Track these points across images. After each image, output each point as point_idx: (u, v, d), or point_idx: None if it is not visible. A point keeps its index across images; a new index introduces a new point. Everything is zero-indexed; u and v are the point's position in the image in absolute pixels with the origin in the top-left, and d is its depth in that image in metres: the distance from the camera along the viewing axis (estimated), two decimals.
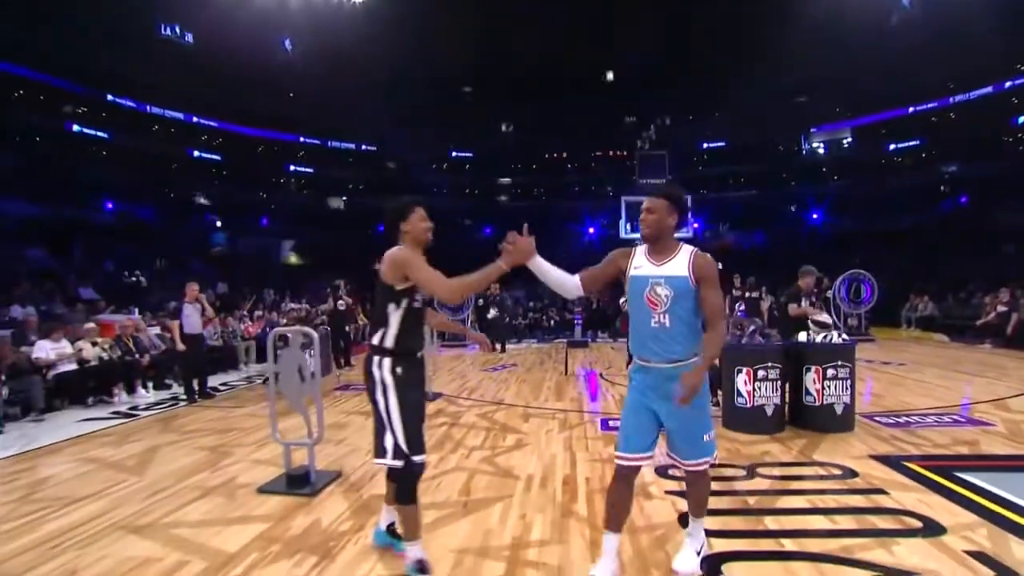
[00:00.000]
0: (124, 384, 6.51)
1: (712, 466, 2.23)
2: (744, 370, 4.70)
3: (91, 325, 6.89)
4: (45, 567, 2.53)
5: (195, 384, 6.52)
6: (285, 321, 9.57)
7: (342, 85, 25.13)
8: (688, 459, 2.18)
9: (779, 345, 5.06)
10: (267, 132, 27.54)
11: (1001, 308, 10.95)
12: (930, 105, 25.20)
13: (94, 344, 6.58)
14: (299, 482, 3.54)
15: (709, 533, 2.53)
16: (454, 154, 32.64)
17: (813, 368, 4.74)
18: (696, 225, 21.66)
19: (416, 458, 2.26)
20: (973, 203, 22.92)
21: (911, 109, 26.02)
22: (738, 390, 4.73)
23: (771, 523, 2.83)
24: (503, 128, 33.44)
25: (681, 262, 2.15)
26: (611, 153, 33.34)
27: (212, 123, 25.89)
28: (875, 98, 26.57)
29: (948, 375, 7.50)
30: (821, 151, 31.09)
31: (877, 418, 5.04)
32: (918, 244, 21.68)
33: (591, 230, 31.38)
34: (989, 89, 23.03)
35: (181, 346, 6.31)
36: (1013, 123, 22.29)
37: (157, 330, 7.94)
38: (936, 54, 22.66)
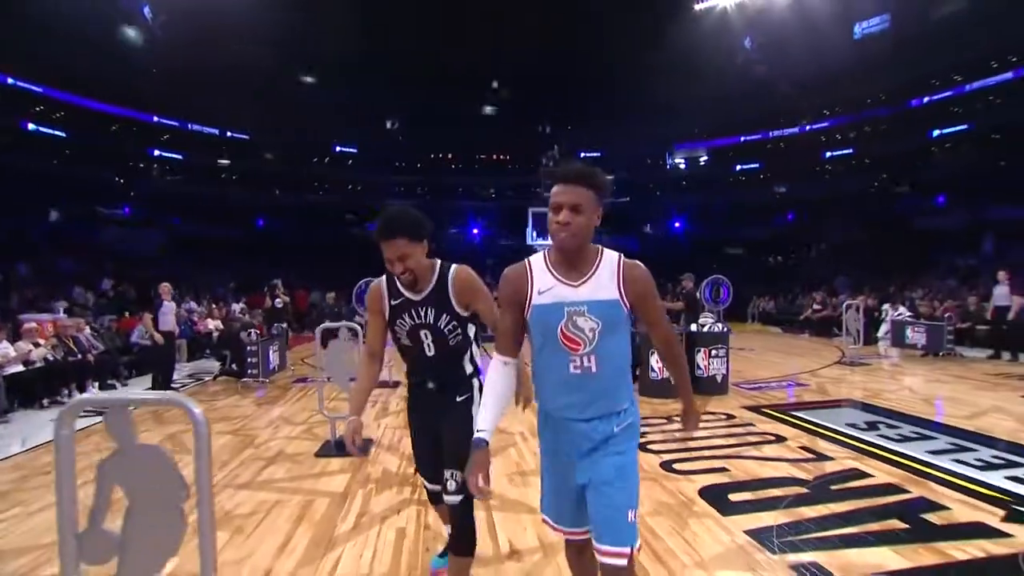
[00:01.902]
0: (76, 385, 6.65)
1: (630, 559, 1.53)
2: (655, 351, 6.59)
3: (32, 325, 6.80)
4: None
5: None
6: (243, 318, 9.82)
7: (210, 65, 23.87)
8: (605, 543, 1.54)
9: (680, 331, 7.05)
10: (119, 109, 24.96)
11: (816, 307, 14.68)
12: (757, 136, 30.95)
13: (36, 345, 6.60)
14: (344, 447, 4.58)
15: (660, 452, 4.17)
16: (337, 148, 32.29)
17: (702, 349, 6.77)
18: None
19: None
20: (797, 219, 28.81)
21: (741, 139, 31.66)
22: (652, 367, 6.60)
23: (693, 444, 4.58)
24: (388, 125, 33.85)
25: (606, 277, 1.57)
26: (495, 157, 35.33)
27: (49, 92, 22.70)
28: (724, 124, 31.77)
29: (782, 356, 10.39)
30: (683, 166, 35.99)
31: (742, 385, 7.26)
32: (759, 251, 26.76)
33: (475, 231, 33.20)
34: (797, 129, 29.08)
35: (159, 338, 6.67)
36: (823, 156, 28.35)
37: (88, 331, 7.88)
38: (768, 93, 28.12)
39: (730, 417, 5.49)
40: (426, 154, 33.73)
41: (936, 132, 24.21)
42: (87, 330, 7.65)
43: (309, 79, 29.24)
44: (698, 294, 9.61)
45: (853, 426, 5.00)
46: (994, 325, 10.11)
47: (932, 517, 3.02)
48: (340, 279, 20.39)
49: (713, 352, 6.78)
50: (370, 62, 28.08)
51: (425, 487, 2.26)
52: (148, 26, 23.97)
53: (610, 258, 1.60)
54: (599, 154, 35.14)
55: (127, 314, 10.23)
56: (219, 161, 28.36)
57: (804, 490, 3.43)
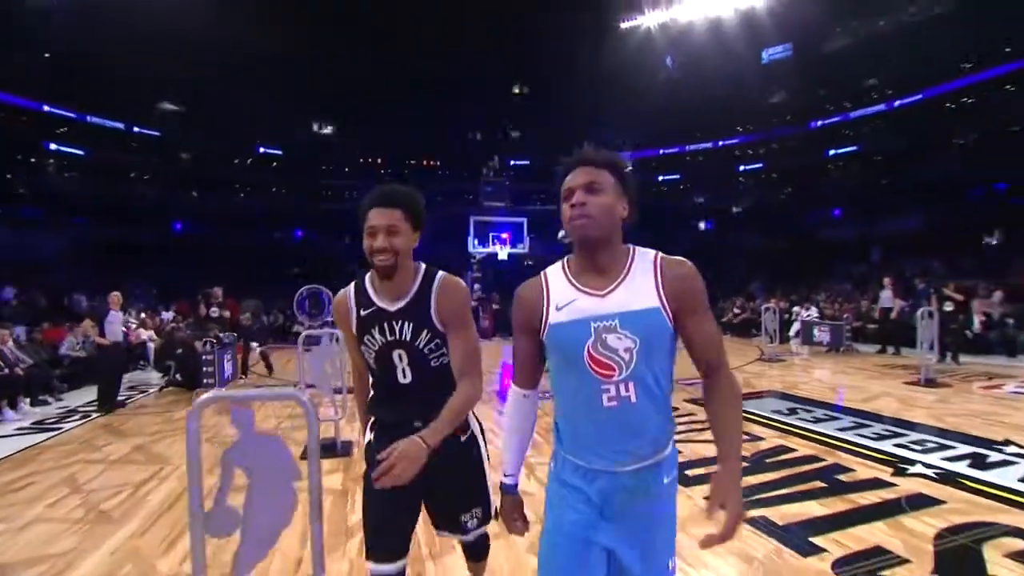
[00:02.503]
0: (7, 402, 6.33)
1: None
2: None
3: None
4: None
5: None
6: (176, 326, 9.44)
7: (115, 54, 22.41)
8: None
9: None
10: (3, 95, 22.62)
11: (737, 310, 16.18)
12: (676, 149, 33.27)
13: None
14: (330, 449, 4.83)
15: None
16: (261, 150, 31.14)
17: None
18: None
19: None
20: (716, 227, 31.20)
21: (660, 151, 33.88)
22: None
23: None
24: (315, 127, 33.12)
25: (641, 280, 1.27)
26: (425, 163, 35.44)
27: None
28: (648, 136, 33.80)
29: None
30: None
31: (680, 381, 8.07)
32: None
33: None
34: (711, 144, 31.61)
35: (102, 340, 6.47)
36: (736, 170, 30.93)
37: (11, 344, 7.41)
38: (686, 110, 30.34)
39: (675, 409, 6.22)
40: (355, 158, 33.26)
41: (832, 152, 27.27)
42: (10, 342, 7.22)
43: (230, 75, 28.03)
44: None
45: (777, 412, 5.89)
46: (881, 324, 11.81)
47: (842, 477, 3.82)
48: (266, 287, 19.88)
49: None
50: (296, 61, 27.42)
51: (374, 573, 1.63)
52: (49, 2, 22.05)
53: (644, 256, 1.31)
54: (528, 162, 36.21)
55: (46, 324, 9.58)
56: (126, 159, 26.45)
57: (745, 464, 4.14)
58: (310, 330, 5.38)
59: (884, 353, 11.05)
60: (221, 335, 7.64)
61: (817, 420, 5.49)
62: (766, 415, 5.75)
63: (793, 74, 28.21)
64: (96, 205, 24.01)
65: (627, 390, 1.25)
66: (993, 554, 2.64)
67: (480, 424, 1.84)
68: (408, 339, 1.63)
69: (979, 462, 4.05)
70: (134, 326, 10.06)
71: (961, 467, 3.94)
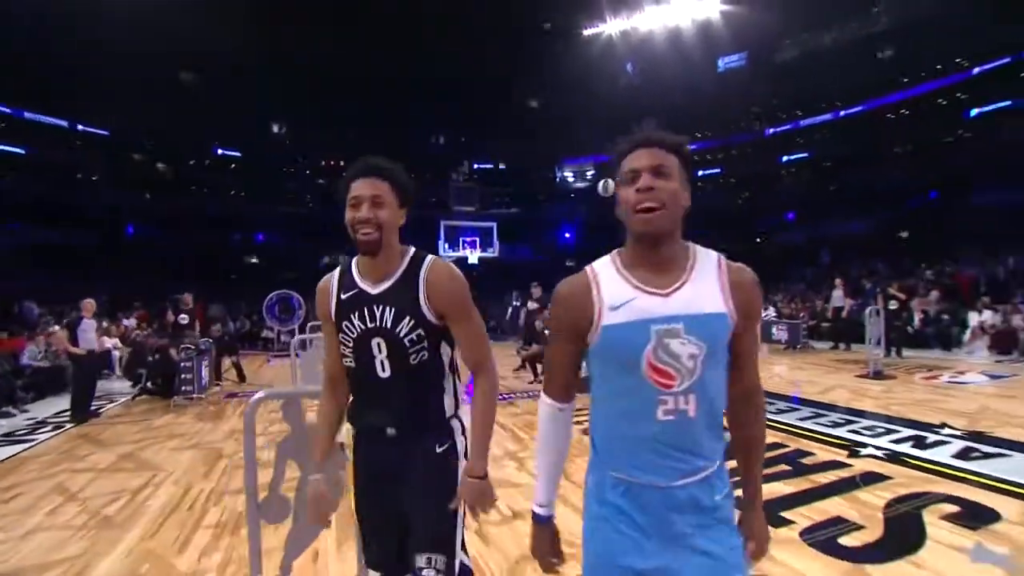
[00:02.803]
0: None
1: None
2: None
3: None
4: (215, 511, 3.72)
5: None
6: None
7: (62, 52, 21.56)
8: None
9: None
10: None
11: None
12: None
13: None
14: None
15: None
16: (219, 151, 30.36)
17: None
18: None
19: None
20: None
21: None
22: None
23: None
24: (275, 129, 32.53)
25: (707, 281, 1.17)
26: None
27: None
28: (609, 141, 34.50)
29: None
30: (571, 179, 38.44)
31: None
32: None
33: None
34: None
35: (75, 350, 6.38)
36: (695, 174, 32.05)
37: None
38: (645, 116, 31.21)
39: None
40: (316, 161, 32.84)
41: (784, 158, 28.67)
42: None
43: (186, 74, 27.28)
44: None
45: None
46: (833, 322, 12.64)
47: (805, 460, 4.24)
48: (228, 291, 19.48)
49: None
50: (254, 61, 26.93)
51: None
52: None
53: (707, 255, 1.21)
54: (491, 166, 36.51)
55: (3, 335, 9.22)
56: (71, 158, 25.33)
57: None
58: (304, 334, 5.46)
59: (837, 349, 11.83)
60: (199, 342, 7.60)
61: (780, 411, 5.97)
62: None
63: (747, 82, 29.54)
64: (37, 207, 22.88)
65: (686, 403, 1.11)
66: (931, 517, 3.07)
67: (463, 426, 1.58)
68: (388, 326, 1.46)
69: (920, 443, 4.56)
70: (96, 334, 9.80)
71: (905, 448, 4.44)
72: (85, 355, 6.57)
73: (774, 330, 12.50)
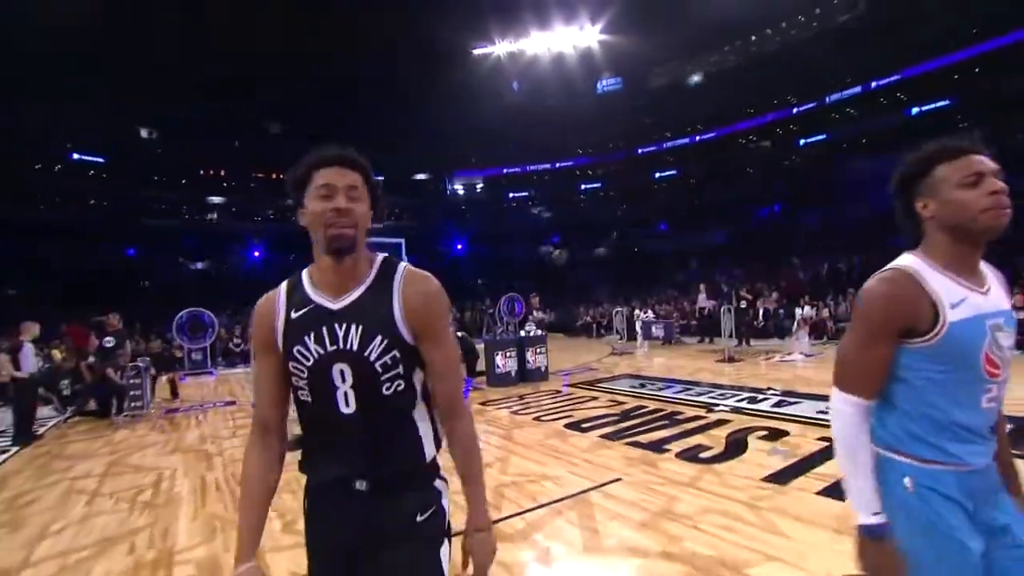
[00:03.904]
0: None
1: None
2: (500, 352, 9.11)
3: None
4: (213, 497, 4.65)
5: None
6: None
7: None
8: None
9: (514, 338, 9.72)
10: None
11: (588, 318, 19.25)
12: (519, 169, 36.87)
13: None
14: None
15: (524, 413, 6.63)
16: (75, 156, 27.96)
17: (530, 348, 9.52)
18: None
19: None
20: (562, 241, 35.14)
21: (504, 170, 37.29)
22: (496, 363, 9.08)
23: (539, 412, 7.13)
24: (144, 134, 30.61)
25: (995, 280, 1.30)
26: (273, 176, 34.43)
27: None
28: (496, 156, 36.84)
29: (572, 352, 13.99)
30: (461, 192, 40.09)
31: (558, 372, 10.25)
32: (530, 271, 31.92)
33: (256, 254, 32.16)
34: (549, 165, 35.82)
35: (17, 373, 6.62)
36: (578, 188, 35.31)
37: None
38: (530, 131, 33.94)
39: (559, 392, 8.30)
40: (191, 169, 31.36)
41: (656, 175, 32.68)
42: None
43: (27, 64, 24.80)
44: (496, 310, 12.28)
45: (632, 387, 8.24)
46: (699, 321, 15.40)
47: (678, 417, 6.08)
48: (98, 311, 18.40)
49: (538, 350, 9.60)
50: (119, 60, 25.35)
51: None
52: None
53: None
54: (380, 177, 36.89)
55: None
56: None
57: (617, 417, 6.26)
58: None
59: (702, 342, 14.52)
60: (139, 362, 7.98)
61: (660, 389, 7.92)
62: (624, 389, 8.10)
63: (623, 104, 33.26)
64: None
65: (1001, 390, 1.24)
66: (752, 441, 4.96)
67: (447, 483, 1.33)
68: (354, 348, 1.20)
69: (752, 400, 6.65)
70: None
71: (744, 403, 6.49)
72: (27, 379, 6.84)
73: (653, 329, 14.97)
